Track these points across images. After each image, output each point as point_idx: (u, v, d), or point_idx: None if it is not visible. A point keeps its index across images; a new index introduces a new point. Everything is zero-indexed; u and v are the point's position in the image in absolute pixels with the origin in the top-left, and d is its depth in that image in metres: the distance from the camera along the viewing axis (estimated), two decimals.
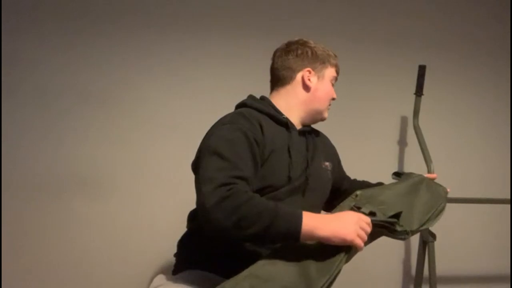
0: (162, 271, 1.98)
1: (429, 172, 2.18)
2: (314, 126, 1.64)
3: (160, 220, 2.06)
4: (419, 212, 1.40)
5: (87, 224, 2.02)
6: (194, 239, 1.41)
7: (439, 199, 1.51)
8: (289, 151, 1.41)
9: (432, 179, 1.64)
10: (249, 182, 1.24)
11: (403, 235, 1.31)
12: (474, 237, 2.42)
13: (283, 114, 1.47)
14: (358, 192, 1.40)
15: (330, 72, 1.54)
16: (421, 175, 1.60)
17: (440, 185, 1.59)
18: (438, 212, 1.47)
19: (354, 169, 2.25)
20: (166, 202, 2.08)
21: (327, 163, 1.57)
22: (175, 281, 1.35)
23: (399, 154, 2.42)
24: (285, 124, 1.46)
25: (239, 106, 1.51)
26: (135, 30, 2.13)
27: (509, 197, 2.33)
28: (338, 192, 1.66)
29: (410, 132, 2.37)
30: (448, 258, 2.23)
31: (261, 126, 1.37)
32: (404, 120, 2.43)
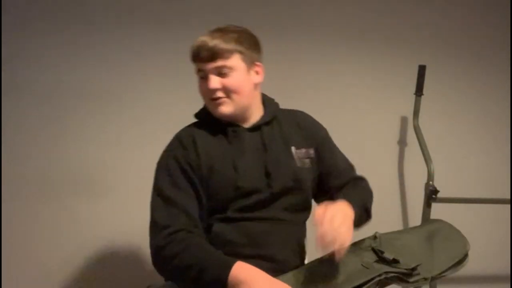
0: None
1: (429, 172, 2.17)
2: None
3: None
4: (439, 258, 1.33)
5: (86, 224, 2.02)
6: None
7: (457, 249, 1.42)
8: (233, 161, 1.33)
9: (453, 229, 1.46)
10: (189, 212, 1.27)
11: (421, 283, 1.26)
12: (474, 237, 2.41)
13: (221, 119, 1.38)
14: (377, 234, 1.34)
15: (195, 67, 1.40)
16: (443, 221, 1.49)
17: (463, 237, 1.47)
18: (459, 263, 1.38)
19: None
20: None
21: (303, 150, 1.42)
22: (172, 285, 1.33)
23: (399, 154, 2.42)
24: (223, 129, 1.37)
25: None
26: (133, 29, 2.13)
27: (509, 197, 2.33)
28: (326, 187, 1.47)
29: (410, 132, 2.37)
30: None
31: (195, 145, 1.34)
32: (404, 120, 2.43)
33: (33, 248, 1.97)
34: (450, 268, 1.33)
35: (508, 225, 2.42)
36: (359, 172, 2.20)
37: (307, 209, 1.44)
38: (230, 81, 1.34)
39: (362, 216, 1.41)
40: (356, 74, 2.36)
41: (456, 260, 1.35)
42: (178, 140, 1.38)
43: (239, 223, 1.31)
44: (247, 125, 1.40)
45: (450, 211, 2.31)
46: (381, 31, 2.40)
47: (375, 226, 2.28)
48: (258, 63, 1.41)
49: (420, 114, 2.30)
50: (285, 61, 2.22)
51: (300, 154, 1.41)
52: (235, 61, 1.34)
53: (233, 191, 1.31)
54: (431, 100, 2.36)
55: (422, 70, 2.27)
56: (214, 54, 1.32)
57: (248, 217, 1.32)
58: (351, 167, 1.56)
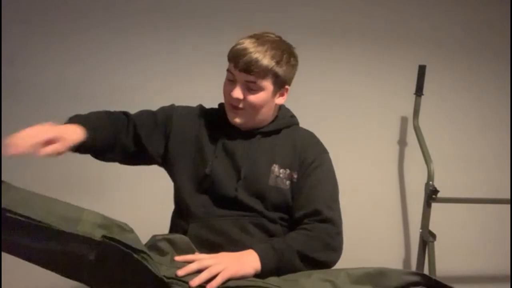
0: None
1: (429, 172, 2.17)
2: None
3: (160, 221, 2.05)
4: None
5: None
6: None
7: None
8: (211, 162, 1.36)
9: None
10: (130, 117, 1.46)
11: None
12: (474, 237, 2.42)
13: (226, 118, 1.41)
14: None
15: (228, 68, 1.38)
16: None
17: None
18: None
19: (354, 169, 2.26)
20: (166, 202, 2.07)
21: (288, 171, 1.37)
22: None
23: (399, 154, 2.42)
24: (222, 125, 1.41)
25: None
26: (134, 30, 2.13)
27: (509, 197, 2.33)
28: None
29: (410, 132, 2.37)
30: (448, 258, 2.23)
31: (195, 125, 1.43)
32: (404, 120, 2.43)
33: None
34: None
35: (508, 225, 2.42)
36: (359, 171, 2.21)
37: (272, 221, 1.36)
38: (254, 98, 1.34)
39: (293, 262, 1.25)
40: (356, 74, 2.36)
41: None
42: (196, 109, 1.48)
43: (208, 220, 1.34)
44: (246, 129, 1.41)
45: (450, 211, 2.32)
46: (381, 31, 2.40)
47: (376, 226, 2.29)
48: (287, 87, 1.42)
49: (420, 114, 2.30)
50: None
51: (282, 174, 1.37)
52: (267, 83, 1.34)
53: (191, 178, 1.40)
54: (431, 100, 2.36)
55: (422, 70, 2.27)
56: (250, 69, 1.30)
57: (212, 212, 1.35)
58: (323, 205, 1.34)
